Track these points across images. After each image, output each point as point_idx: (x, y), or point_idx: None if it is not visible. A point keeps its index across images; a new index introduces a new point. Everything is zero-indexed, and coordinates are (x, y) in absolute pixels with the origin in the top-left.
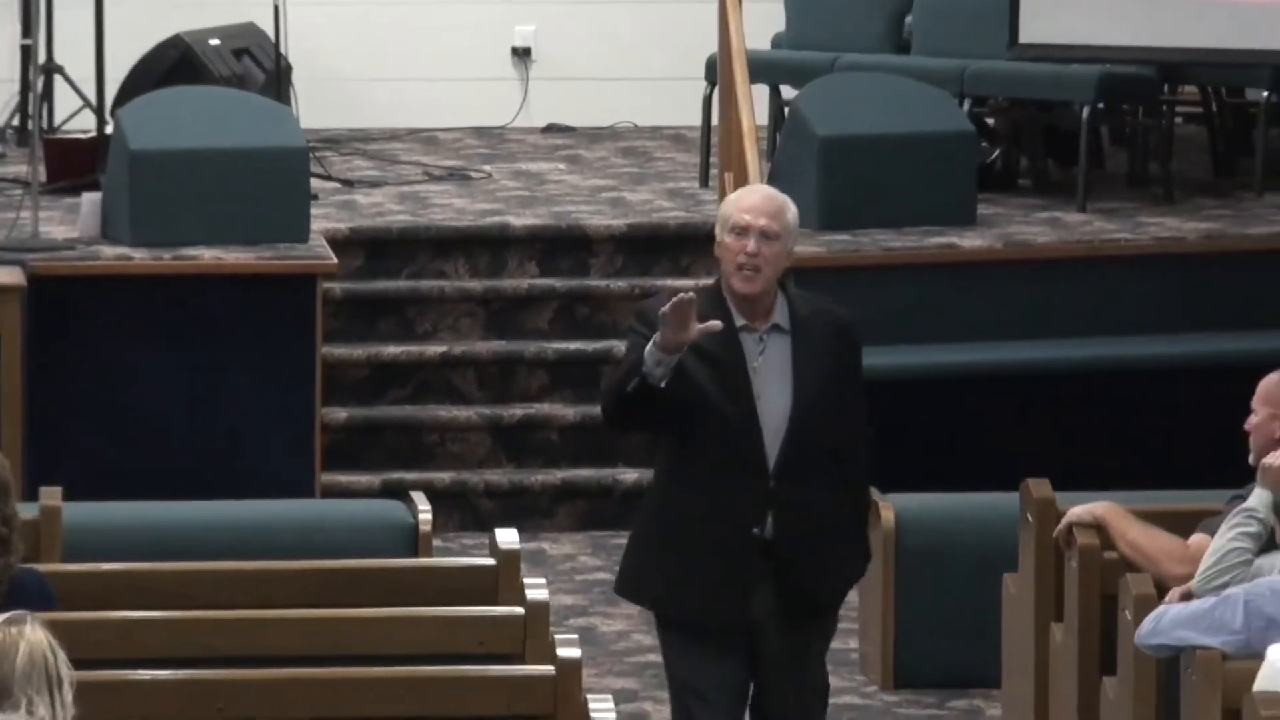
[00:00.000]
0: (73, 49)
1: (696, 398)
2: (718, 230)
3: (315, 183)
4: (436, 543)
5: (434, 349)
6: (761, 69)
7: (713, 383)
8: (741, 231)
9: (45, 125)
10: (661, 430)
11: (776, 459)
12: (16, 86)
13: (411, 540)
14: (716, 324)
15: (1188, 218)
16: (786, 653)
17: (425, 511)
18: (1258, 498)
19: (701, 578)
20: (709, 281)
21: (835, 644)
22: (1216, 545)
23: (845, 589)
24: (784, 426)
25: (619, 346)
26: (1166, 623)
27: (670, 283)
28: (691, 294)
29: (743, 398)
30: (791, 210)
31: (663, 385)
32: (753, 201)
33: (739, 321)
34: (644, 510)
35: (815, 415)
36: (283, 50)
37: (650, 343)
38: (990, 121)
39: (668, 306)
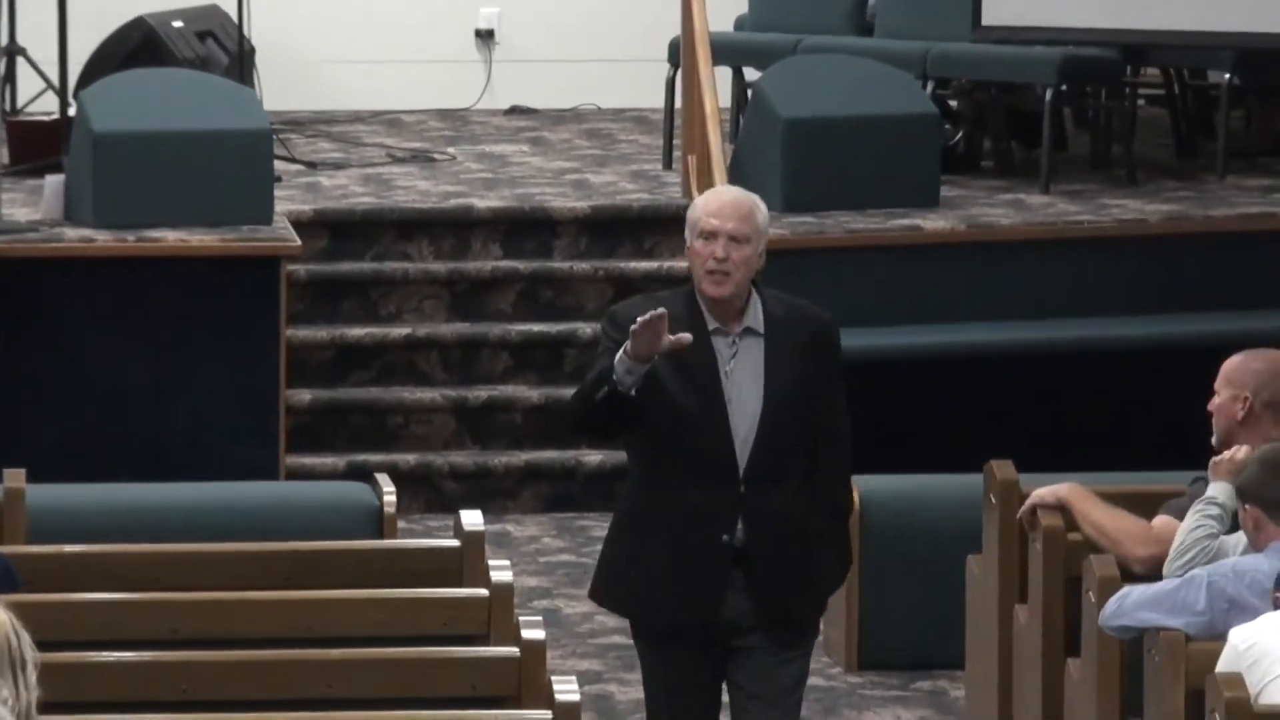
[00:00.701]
0: (35, 31)
1: (667, 402)
2: (687, 234)
3: (279, 165)
4: (401, 524)
5: (398, 331)
6: (725, 51)
7: (683, 387)
8: (710, 236)
9: (8, 107)
10: (631, 435)
11: (747, 464)
12: None
13: (376, 522)
14: (687, 336)
15: (1150, 200)
16: (761, 663)
17: (389, 493)
18: (1217, 486)
19: (671, 585)
20: (683, 284)
21: None
22: (1183, 530)
23: (822, 598)
24: (754, 431)
25: (583, 329)
26: (1130, 604)
27: (636, 264)
28: (663, 310)
29: (713, 402)
30: (762, 212)
31: (633, 393)
32: (719, 205)
33: (711, 324)
34: (615, 515)
35: (787, 419)
36: (246, 32)
37: (620, 350)
38: (953, 104)
39: (638, 324)
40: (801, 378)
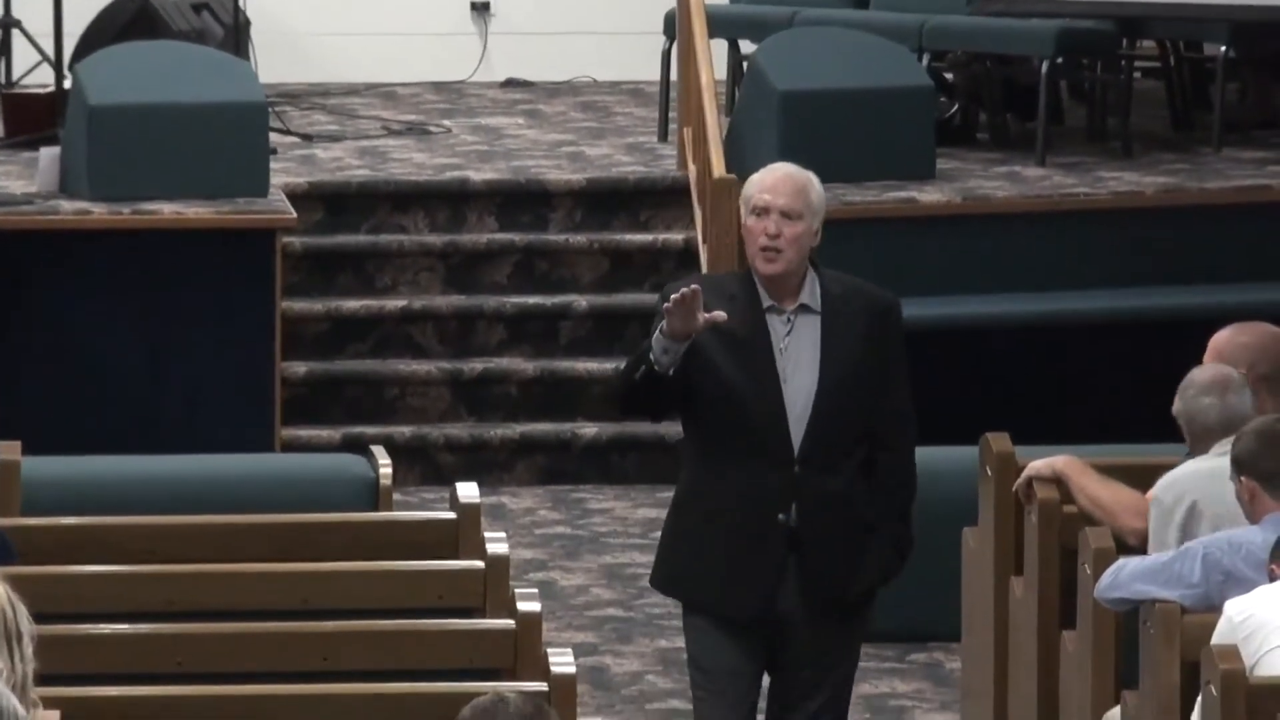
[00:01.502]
0: (30, 3)
1: (719, 379)
2: (741, 211)
3: (274, 137)
4: (396, 497)
5: (393, 303)
6: (720, 23)
7: (737, 364)
8: (762, 212)
9: (3, 80)
10: (685, 415)
11: (801, 444)
12: None
13: (371, 494)
14: (721, 315)
15: (1146, 172)
16: (810, 652)
17: (385, 465)
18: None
19: (725, 567)
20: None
21: None
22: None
23: (875, 586)
24: (809, 410)
25: (579, 301)
26: (1125, 576)
27: (631, 236)
28: (696, 287)
29: (767, 380)
30: (815, 189)
31: (670, 373)
32: (772, 181)
33: (766, 302)
34: (673, 497)
35: (843, 399)
36: (241, 5)
37: (657, 329)
38: (949, 76)
39: (671, 301)
40: (860, 358)
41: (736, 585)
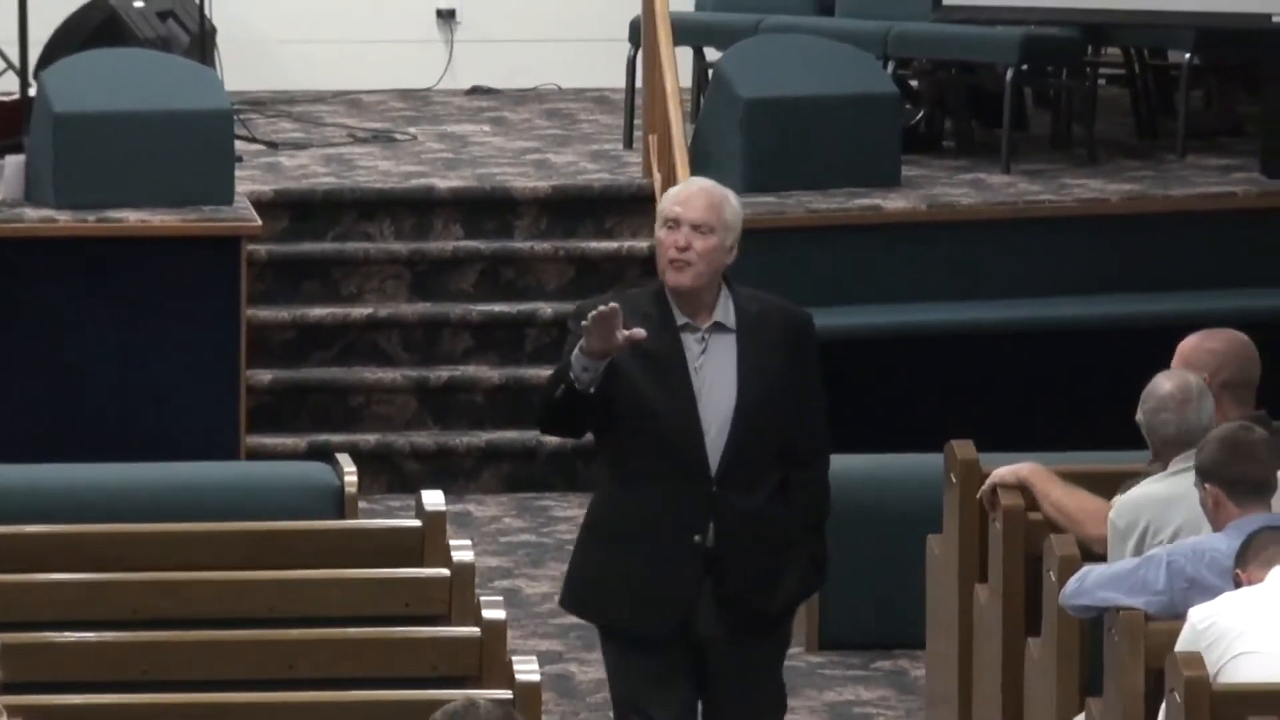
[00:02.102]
0: None
1: (635, 399)
2: (656, 224)
3: (240, 145)
4: (362, 504)
5: (359, 311)
6: (685, 31)
7: (652, 383)
8: (673, 224)
9: None
10: (599, 433)
11: (719, 463)
12: None
13: (337, 502)
14: (640, 332)
15: (1111, 179)
16: (735, 668)
17: (351, 473)
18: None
19: (641, 587)
20: (652, 283)
21: None
22: None
23: (794, 603)
24: (726, 429)
25: (544, 309)
26: (1090, 583)
27: (597, 244)
28: (615, 305)
29: (683, 399)
30: (731, 205)
31: (591, 391)
32: (686, 194)
33: (680, 320)
34: (585, 518)
35: (761, 417)
36: (207, 12)
37: (577, 348)
38: (914, 83)
39: (589, 319)
40: (777, 375)
41: (651, 605)
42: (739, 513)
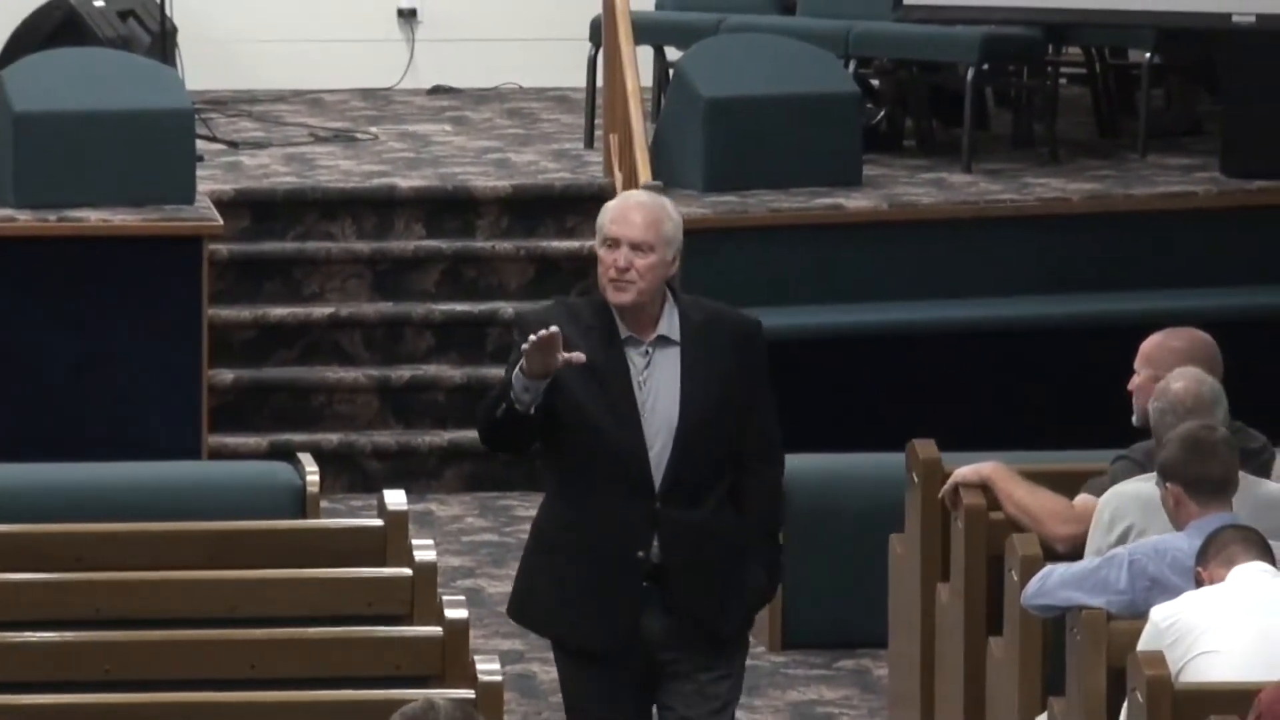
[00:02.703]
0: None
1: (578, 413)
2: (595, 240)
3: (201, 144)
4: (324, 504)
5: (321, 310)
6: (646, 30)
7: (595, 398)
8: (612, 244)
9: None
10: (545, 446)
11: (663, 477)
12: None
13: (299, 502)
14: (580, 356)
15: (1072, 178)
16: (687, 682)
17: (313, 473)
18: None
19: (585, 601)
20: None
21: None
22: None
23: (745, 617)
24: (670, 443)
25: (505, 308)
26: (1052, 583)
27: (558, 243)
28: (555, 329)
29: (625, 412)
30: (671, 220)
31: (531, 412)
32: (622, 212)
33: (624, 333)
34: (531, 530)
35: (705, 432)
36: (168, 12)
37: (517, 367)
38: (875, 83)
39: (529, 343)
40: (722, 387)
41: (596, 618)
42: (684, 527)
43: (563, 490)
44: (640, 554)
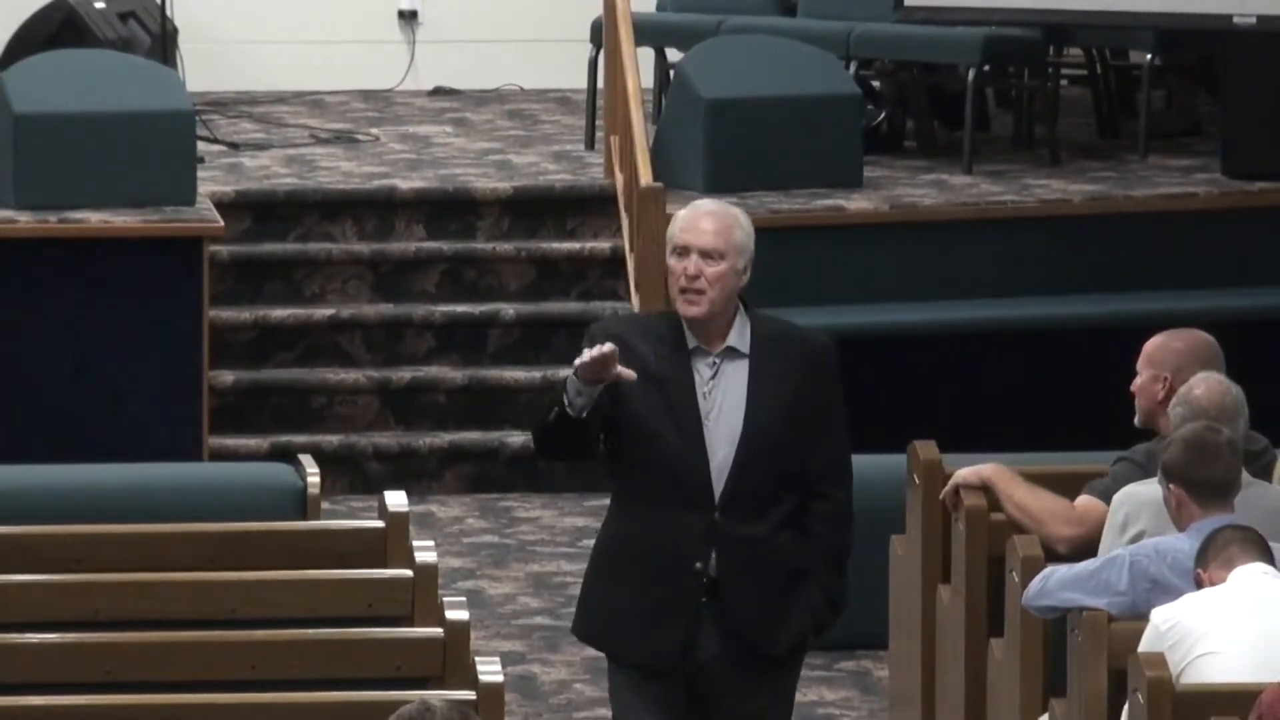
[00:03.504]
0: None
1: (640, 423)
2: (666, 251)
3: (201, 146)
4: (325, 505)
5: (321, 312)
6: (647, 32)
7: (659, 407)
8: (682, 252)
9: None
10: (610, 457)
11: (724, 489)
12: None
13: (300, 503)
14: (631, 374)
15: (1073, 180)
16: (735, 703)
17: (313, 474)
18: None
19: (641, 614)
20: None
21: None
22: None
23: (799, 640)
24: (732, 455)
25: (506, 310)
26: (1053, 584)
27: (559, 244)
28: (612, 347)
29: (689, 423)
30: (741, 228)
31: (583, 416)
32: (693, 220)
33: (691, 344)
34: (595, 541)
35: (769, 446)
36: (168, 13)
37: (572, 370)
38: (876, 84)
39: (582, 361)
40: (789, 404)
41: (652, 632)
42: (743, 541)
43: (624, 501)
44: (698, 565)
